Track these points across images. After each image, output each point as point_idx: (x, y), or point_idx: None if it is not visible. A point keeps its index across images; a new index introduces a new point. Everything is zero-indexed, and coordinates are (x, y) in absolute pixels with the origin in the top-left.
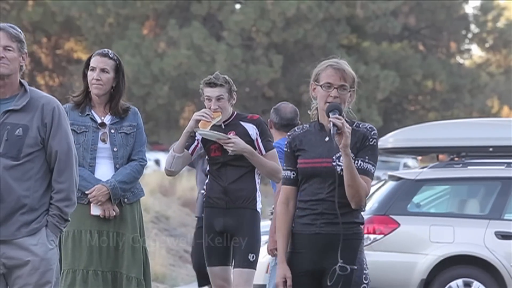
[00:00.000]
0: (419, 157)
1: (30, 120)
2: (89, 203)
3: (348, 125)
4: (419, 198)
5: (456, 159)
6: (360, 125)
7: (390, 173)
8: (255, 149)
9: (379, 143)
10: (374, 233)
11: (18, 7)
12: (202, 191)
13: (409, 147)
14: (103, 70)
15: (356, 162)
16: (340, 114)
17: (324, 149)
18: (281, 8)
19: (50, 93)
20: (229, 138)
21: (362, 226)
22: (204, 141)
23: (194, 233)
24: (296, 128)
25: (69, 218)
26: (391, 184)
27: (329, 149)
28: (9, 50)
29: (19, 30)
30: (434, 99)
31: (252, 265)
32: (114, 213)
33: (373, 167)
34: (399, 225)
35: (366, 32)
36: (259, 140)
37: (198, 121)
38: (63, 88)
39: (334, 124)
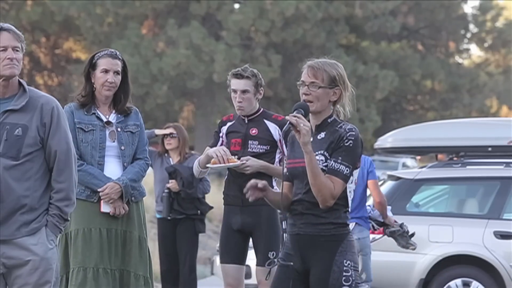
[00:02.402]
0: (418, 157)
1: (29, 120)
2: (98, 201)
3: (306, 123)
4: (418, 198)
5: (455, 158)
6: (342, 126)
7: (389, 172)
8: (277, 149)
9: (378, 143)
10: (373, 232)
11: (17, 7)
12: (167, 191)
13: (408, 146)
14: (116, 73)
15: (329, 162)
16: (305, 113)
17: (298, 149)
18: (280, 7)
19: (49, 93)
20: (243, 163)
21: (346, 227)
22: (228, 134)
23: (159, 239)
24: (284, 128)
25: (69, 218)
26: (390, 183)
27: None
28: (17, 51)
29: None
30: (433, 99)
31: (273, 262)
32: (124, 211)
33: (346, 168)
34: None
35: (365, 31)
36: (283, 142)
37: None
38: (62, 88)
39: (289, 122)
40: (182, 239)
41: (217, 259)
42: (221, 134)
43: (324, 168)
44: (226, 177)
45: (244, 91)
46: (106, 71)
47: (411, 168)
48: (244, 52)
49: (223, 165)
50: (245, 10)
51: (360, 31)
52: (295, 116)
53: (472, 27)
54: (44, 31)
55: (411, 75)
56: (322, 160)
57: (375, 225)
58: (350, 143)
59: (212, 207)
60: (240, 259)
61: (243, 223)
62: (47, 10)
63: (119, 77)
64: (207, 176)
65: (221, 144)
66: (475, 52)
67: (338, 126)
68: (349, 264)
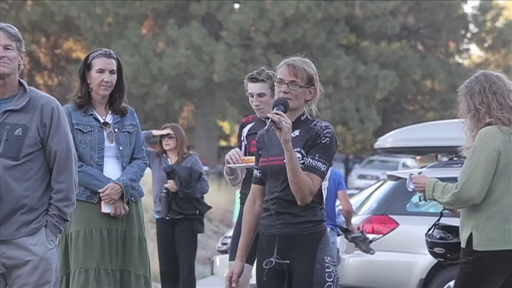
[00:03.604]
0: (418, 157)
1: (30, 120)
2: (99, 201)
3: (287, 121)
4: (418, 198)
5: (455, 158)
6: (317, 124)
7: (389, 173)
8: None
9: (378, 143)
10: (373, 232)
11: (17, 7)
12: (165, 191)
13: (408, 146)
14: (111, 71)
15: (306, 159)
16: (285, 110)
17: (280, 147)
18: (280, 7)
19: (49, 93)
20: None
21: (323, 224)
22: (248, 135)
23: (158, 239)
24: (266, 127)
25: (68, 218)
26: (390, 184)
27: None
28: (9, 49)
29: (17, 30)
30: (433, 99)
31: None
32: (124, 211)
33: (323, 165)
34: (398, 224)
35: (365, 31)
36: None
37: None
38: (62, 88)
39: (271, 120)
40: (180, 240)
41: (217, 259)
42: (242, 138)
43: (301, 165)
44: (244, 176)
45: (260, 95)
46: (101, 70)
47: (411, 168)
48: (244, 52)
49: (244, 164)
50: (245, 10)
51: (360, 31)
52: (277, 114)
53: (472, 27)
54: (44, 31)
55: (411, 75)
56: (299, 157)
57: (339, 230)
58: (327, 140)
59: (210, 207)
60: (250, 258)
61: None
62: (47, 10)
63: (115, 76)
64: (205, 176)
65: (245, 148)
66: (475, 52)
67: (313, 123)
68: (329, 260)
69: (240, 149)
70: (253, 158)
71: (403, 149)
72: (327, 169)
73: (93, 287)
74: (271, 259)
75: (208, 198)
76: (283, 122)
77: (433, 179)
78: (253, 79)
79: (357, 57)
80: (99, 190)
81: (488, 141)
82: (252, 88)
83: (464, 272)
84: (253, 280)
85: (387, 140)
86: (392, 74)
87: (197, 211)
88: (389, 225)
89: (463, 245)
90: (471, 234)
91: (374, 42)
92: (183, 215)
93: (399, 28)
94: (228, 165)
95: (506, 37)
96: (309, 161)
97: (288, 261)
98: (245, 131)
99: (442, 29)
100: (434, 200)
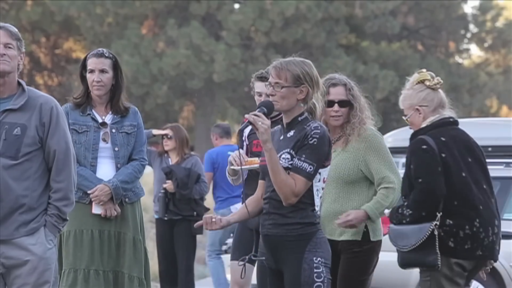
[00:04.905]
0: None
1: (28, 120)
2: (90, 202)
3: (264, 122)
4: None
5: None
6: (310, 124)
7: None
8: None
9: None
10: None
11: (17, 7)
12: (163, 191)
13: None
14: (102, 71)
15: (294, 160)
16: (268, 111)
17: (274, 147)
18: (280, 7)
19: (49, 93)
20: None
21: (314, 226)
22: (249, 135)
23: (157, 239)
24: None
25: (68, 218)
26: None
27: (278, 147)
28: (9, 47)
29: (16, 30)
30: None
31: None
32: (116, 213)
33: (309, 166)
34: None
35: (365, 31)
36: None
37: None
38: (62, 88)
39: (247, 120)
40: (179, 240)
41: None
42: (243, 138)
43: (289, 166)
44: (246, 176)
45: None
46: (91, 71)
47: None
48: (244, 52)
49: (248, 166)
50: (245, 10)
51: (360, 31)
52: (255, 115)
53: (472, 27)
54: (44, 31)
55: (411, 75)
56: (288, 158)
57: None
58: (314, 141)
59: (208, 209)
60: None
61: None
62: (47, 10)
63: (108, 75)
64: (205, 177)
65: (246, 148)
66: (475, 52)
67: (307, 124)
68: (319, 261)
69: (242, 149)
70: (256, 159)
71: (403, 149)
72: (315, 170)
73: (82, 287)
74: (247, 256)
75: (208, 198)
76: (259, 123)
77: (365, 207)
78: (263, 78)
79: (357, 57)
80: (89, 192)
81: (382, 140)
82: (261, 87)
83: (364, 260)
84: (253, 280)
85: (387, 140)
86: (392, 74)
87: (195, 213)
88: (389, 225)
89: (357, 237)
90: (366, 227)
91: (374, 42)
92: (181, 216)
93: (399, 28)
94: (232, 167)
95: (506, 37)
96: (296, 162)
97: (264, 258)
98: (247, 131)
99: (442, 29)
100: (384, 213)
